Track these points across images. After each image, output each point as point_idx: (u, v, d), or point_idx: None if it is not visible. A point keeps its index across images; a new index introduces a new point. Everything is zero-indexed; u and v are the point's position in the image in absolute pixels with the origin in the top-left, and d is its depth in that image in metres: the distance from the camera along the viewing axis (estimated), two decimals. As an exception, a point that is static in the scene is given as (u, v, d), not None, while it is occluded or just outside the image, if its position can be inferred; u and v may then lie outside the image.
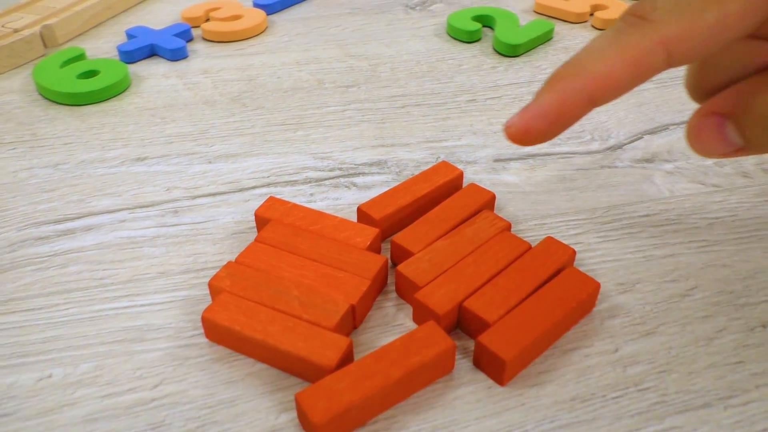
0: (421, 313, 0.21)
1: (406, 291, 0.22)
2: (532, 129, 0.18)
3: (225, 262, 0.24)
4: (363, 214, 0.25)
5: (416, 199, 0.25)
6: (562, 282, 0.21)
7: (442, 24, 0.43)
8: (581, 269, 0.23)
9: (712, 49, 0.18)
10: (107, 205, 0.27)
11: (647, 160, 0.29)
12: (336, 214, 0.26)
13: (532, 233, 0.25)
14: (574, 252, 0.22)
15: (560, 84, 0.18)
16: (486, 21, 0.42)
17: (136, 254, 0.25)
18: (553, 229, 0.25)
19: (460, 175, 0.26)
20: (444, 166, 0.26)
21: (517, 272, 0.22)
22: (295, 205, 0.25)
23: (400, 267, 0.22)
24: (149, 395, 0.20)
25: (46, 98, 0.36)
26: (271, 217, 0.24)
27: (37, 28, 0.41)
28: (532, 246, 0.23)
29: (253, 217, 0.26)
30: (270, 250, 0.23)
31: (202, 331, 0.22)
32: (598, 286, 0.21)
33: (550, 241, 0.23)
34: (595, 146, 0.30)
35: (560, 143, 0.30)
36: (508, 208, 0.27)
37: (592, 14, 0.43)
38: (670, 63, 0.17)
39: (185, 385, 0.20)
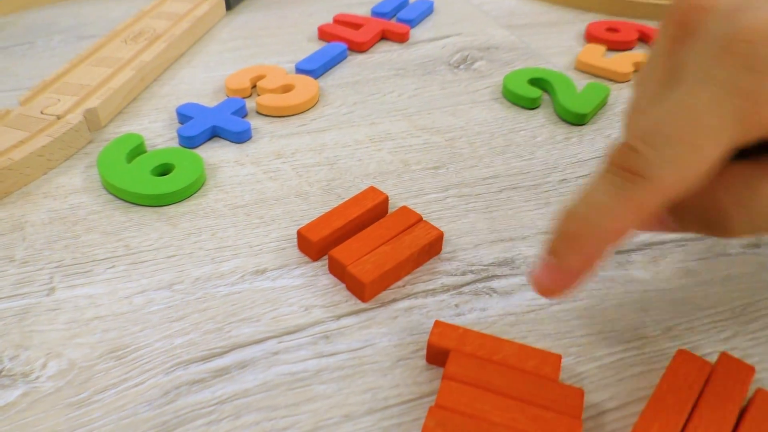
0: None
1: None
2: (568, 288, 0.22)
3: (405, 396, 0.24)
4: (302, 237, 0.29)
5: (349, 221, 0.30)
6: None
7: (495, 86, 0.43)
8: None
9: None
10: (250, 334, 0.26)
11: (755, 245, 0.31)
12: (491, 329, 0.26)
13: (687, 339, 0.26)
14: (753, 370, 0.24)
15: (581, 245, 0.21)
16: (542, 85, 0.43)
17: (309, 395, 0.24)
18: (704, 333, 0.27)
19: (386, 199, 0.31)
20: (372, 191, 0.32)
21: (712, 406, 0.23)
22: (466, 330, 0.25)
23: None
24: None
25: (118, 197, 0.33)
26: (447, 346, 0.24)
27: (80, 113, 0.38)
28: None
29: (410, 337, 0.26)
30: (467, 389, 0.23)
31: (418, 485, 0.21)
32: None
33: (726, 359, 0.24)
34: (702, 230, 0.32)
35: (669, 229, 0.32)
36: (651, 310, 0.27)
37: (635, 72, 0.45)
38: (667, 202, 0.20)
39: None
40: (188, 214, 0.33)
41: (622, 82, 0.44)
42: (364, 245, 0.28)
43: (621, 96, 0.42)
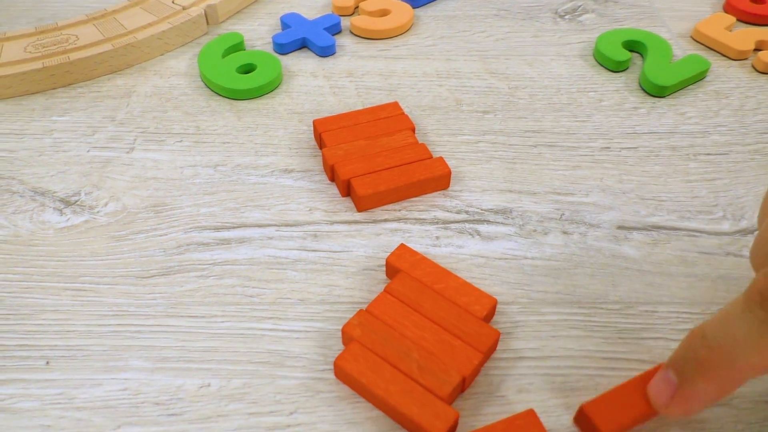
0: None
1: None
2: (686, 412, 0.21)
3: (355, 299, 0.28)
4: (315, 127, 0.34)
5: (356, 124, 0.34)
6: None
7: (589, 43, 0.42)
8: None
9: None
10: (258, 219, 0.31)
11: (776, 253, 0.29)
12: (458, 265, 0.29)
13: (641, 320, 0.27)
14: None
15: (716, 373, 0.19)
16: (637, 47, 0.41)
17: (280, 276, 0.29)
18: (663, 319, 0.27)
19: (401, 115, 0.35)
20: (393, 106, 0.35)
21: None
22: (423, 258, 0.27)
23: (587, 407, 0.22)
24: (285, 421, 0.24)
25: (207, 87, 0.39)
26: (400, 267, 0.27)
27: (202, 8, 0.44)
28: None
29: (383, 254, 0.29)
30: (397, 304, 0.26)
31: (332, 368, 0.25)
32: None
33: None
34: (725, 226, 0.30)
35: (690, 217, 0.31)
36: (621, 286, 0.28)
37: (755, 51, 0.41)
38: None
39: (315, 418, 0.24)
40: (254, 111, 0.38)
41: (736, 60, 0.41)
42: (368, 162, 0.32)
43: (725, 75, 0.39)
